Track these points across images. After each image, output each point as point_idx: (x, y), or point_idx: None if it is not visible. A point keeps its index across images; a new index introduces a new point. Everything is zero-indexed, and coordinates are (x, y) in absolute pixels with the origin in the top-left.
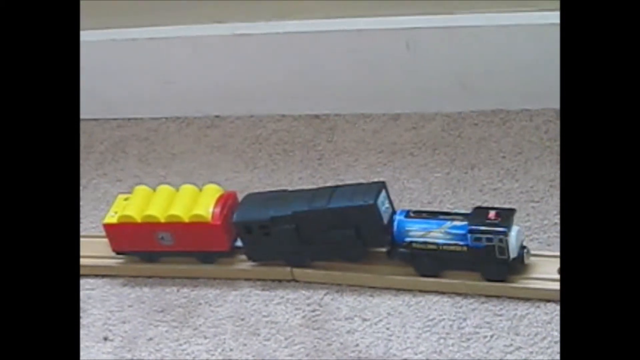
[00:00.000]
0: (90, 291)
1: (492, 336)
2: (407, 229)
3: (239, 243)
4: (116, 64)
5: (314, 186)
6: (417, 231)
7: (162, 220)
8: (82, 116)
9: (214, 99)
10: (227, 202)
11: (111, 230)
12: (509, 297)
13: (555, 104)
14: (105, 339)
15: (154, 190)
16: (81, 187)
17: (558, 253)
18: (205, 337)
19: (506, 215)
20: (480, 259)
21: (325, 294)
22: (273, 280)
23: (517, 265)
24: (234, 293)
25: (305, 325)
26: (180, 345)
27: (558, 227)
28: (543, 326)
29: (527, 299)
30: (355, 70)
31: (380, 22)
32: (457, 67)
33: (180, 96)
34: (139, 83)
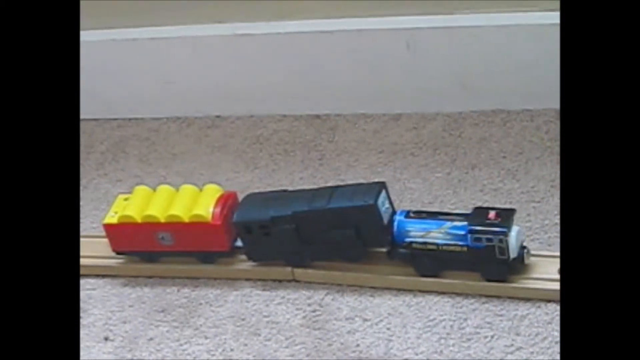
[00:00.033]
0: (91, 291)
1: (492, 336)
2: (407, 229)
3: (239, 243)
4: (117, 64)
5: (315, 186)
6: (417, 231)
7: (162, 220)
8: (82, 116)
9: (214, 99)
10: (227, 202)
11: (111, 230)
12: (510, 298)
13: (556, 104)
14: (106, 339)
15: (154, 190)
16: (82, 187)
17: (559, 253)
18: (206, 337)
19: (506, 216)
20: (480, 259)
21: (325, 294)
22: (274, 281)
23: (517, 266)
24: (235, 293)
25: (306, 326)
26: (181, 345)
27: (559, 228)
28: (544, 326)
29: (527, 299)
30: (355, 71)
31: (380, 22)
32: (457, 67)
33: (181, 96)
34: (139, 83)
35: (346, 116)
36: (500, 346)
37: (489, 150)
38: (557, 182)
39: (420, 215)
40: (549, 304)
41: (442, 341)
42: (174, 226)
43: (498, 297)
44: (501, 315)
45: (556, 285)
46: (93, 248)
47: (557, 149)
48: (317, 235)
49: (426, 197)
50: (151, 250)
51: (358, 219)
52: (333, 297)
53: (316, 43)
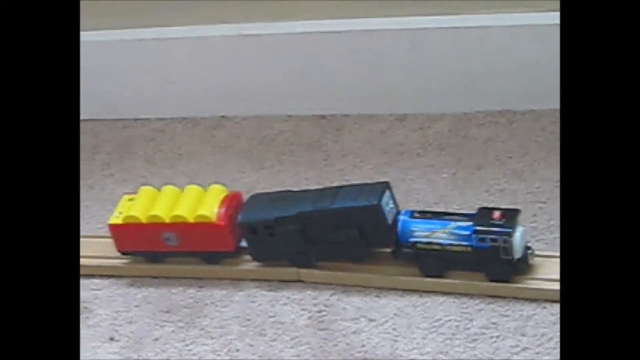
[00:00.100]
0: (96, 291)
1: (498, 337)
2: (411, 229)
3: (243, 243)
4: (123, 65)
5: (320, 187)
6: (422, 231)
7: (167, 220)
8: (88, 117)
9: (220, 100)
10: (232, 202)
11: (116, 230)
12: (515, 298)
13: None
14: (112, 339)
15: (159, 190)
16: (87, 188)
17: None
18: (212, 338)
19: (511, 216)
20: (485, 260)
21: (331, 295)
22: (279, 281)
23: (521, 266)
24: (240, 293)
25: (312, 326)
26: (187, 345)
27: None
28: (549, 327)
29: (533, 300)
30: (361, 71)
31: (385, 22)
32: (463, 67)
33: (186, 97)
34: (145, 84)
35: (352, 117)
36: (506, 347)
37: (494, 151)
38: None
39: (425, 215)
40: (554, 305)
41: (448, 342)
42: (179, 226)
43: (503, 297)
44: (507, 316)
45: None
46: (98, 248)
47: None
48: (322, 235)
49: (432, 198)
50: (156, 251)
51: (362, 219)
52: (338, 298)
53: (322, 43)
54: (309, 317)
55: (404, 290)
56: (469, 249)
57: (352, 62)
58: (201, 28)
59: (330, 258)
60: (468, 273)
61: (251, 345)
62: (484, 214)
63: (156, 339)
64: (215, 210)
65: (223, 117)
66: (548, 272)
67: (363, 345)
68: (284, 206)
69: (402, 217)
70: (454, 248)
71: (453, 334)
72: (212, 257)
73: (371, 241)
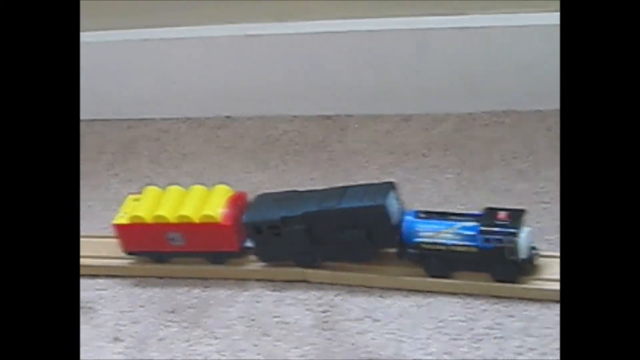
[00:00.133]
0: (101, 291)
1: (503, 337)
2: (416, 229)
3: (249, 243)
4: (127, 65)
5: (325, 187)
6: (427, 232)
7: (172, 220)
8: (93, 117)
9: (225, 100)
10: (237, 202)
11: (121, 230)
12: (521, 298)
13: None
14: (116, 339)
15: (164, 190)
16: (92, 188)
17: None
18: (216, 338)
19: (516, 216)
20: (490, 260)
21: (336, 295)
22: (284, 281)
23: (526, 266)
24: (245, 294)
25: (317, 326)
26: (191, 345)
27: None
28: (555, 327)
29: (538, 300)
30: (366, 71)
31: (391, 23)
32: (468, 67)
33: (191, 97)
34: (150, 84)
35: (357, 117)
36: (511, 347)
37: (499, 151)
38: None
39: (430, 215)
40: (559, 305)
41: (453, 342)
42: (184, 227)
43: (508, 297)
44: (512, 316)
45: None
46: (103, 248)
47: None
48: (327, 235)
49: (437, 198)
50: (161, 251)
51: (368, 219)
52: (343, 298)
53: (327, 44)
54: (314, 318)
55: (409, 290)
56: (474, 249)
57: (357, 62)
58: (206, 28)
59: (336, 258)
60: (473, 273)
61: (256, 346)
62: (489, 214)
63: (161, 339)
64: (221, 210)
65: (228, 117)
66: (553, 273)
67: (368, 346)
68: (289, 206)
69: (407, 218)
70: (459, 248)
71: (458, 334)
72: (217, 257)
73: (377, 241)
